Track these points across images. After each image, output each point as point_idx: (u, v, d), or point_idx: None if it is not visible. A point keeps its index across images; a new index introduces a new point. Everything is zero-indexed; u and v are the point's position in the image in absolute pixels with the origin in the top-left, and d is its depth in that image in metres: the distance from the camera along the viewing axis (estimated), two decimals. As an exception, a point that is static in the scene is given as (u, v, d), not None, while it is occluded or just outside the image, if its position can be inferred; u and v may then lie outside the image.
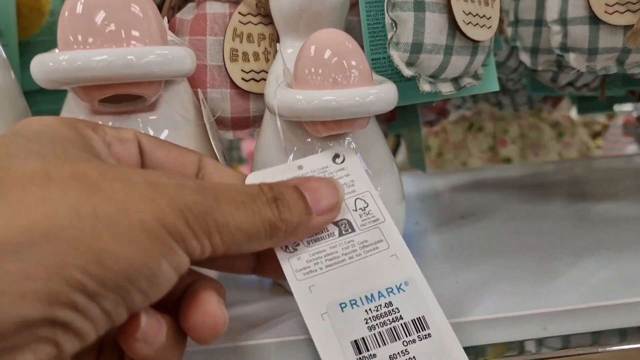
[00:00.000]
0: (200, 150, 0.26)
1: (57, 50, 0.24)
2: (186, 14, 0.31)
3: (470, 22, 0.27)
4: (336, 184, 0.22)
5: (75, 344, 0.16)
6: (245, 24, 0.30)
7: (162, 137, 0.25)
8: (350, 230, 0.23)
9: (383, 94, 0.24)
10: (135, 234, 0.16)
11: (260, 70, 0.30)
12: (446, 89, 0.28)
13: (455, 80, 0.29)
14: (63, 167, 0.17)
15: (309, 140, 0.26)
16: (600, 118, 1.05)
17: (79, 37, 0.23)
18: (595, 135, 1.03)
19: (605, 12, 0.32)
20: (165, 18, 0.28)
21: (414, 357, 0.20)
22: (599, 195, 0.46)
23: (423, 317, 0.21)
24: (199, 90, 0.29)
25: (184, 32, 0.31)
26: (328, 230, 0.23)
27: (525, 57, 0.39)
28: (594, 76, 0.43)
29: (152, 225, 0.17)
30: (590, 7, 0.32)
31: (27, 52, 0.46)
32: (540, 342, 0.22)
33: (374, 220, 0.23)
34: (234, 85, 0.30)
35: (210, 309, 0.19)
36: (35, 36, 0.46)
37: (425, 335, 0.20)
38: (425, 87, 0.27)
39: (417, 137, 0.39)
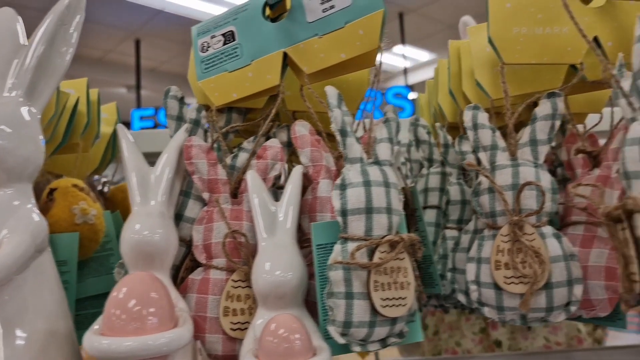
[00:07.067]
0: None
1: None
2: (196, 275, 0.43)
3: (387, 305, 0.38)
4: None
5: None
6: (236, 287, 0.42)
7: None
8: None
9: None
10: None
11: (245, 322, 0.42)
12: (374, 347, 0.39)
13: (383, 340, 0.39)
14: None
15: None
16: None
17: (118, 312, 0.35)
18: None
19: (504, 282, 0.42)
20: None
21: None
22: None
23: None
24: (198, 342, 0.40)
25: (194, 290, 0.43)
26: None
27: (461, 297, 0.49)
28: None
29: None
30: (493, 277, 0.43)
31: (83, 267, 0.61)
32: None
33: None
34: (224, 332, 0.41)
35: None
36: (90, 257, 0.60)
37: None
38: (356, 348, 0.38)
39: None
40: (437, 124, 0.58)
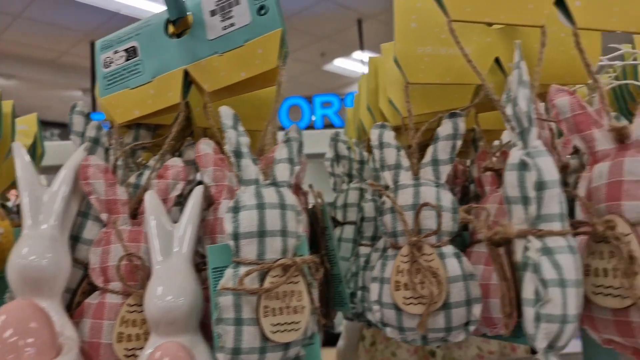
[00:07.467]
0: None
1: None
2: (92, 299, 0.42)
3: (278, 331, 0.37)
4: None
5: None
6: (131, 312, 0.41)
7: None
8: None
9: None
10: None
11: (140, 348, 0.40)
12: (268, 373, 0.38)
13: (277, 364, 0.39)
14: None
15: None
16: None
17: None
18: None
19: (403, 303, 0.42)
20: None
21: None
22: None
23: None
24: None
25: (89, 315, 0.41)
26: None
27: (370, 316, 0.49)
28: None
29: None
30: (393, 298, 0.43)
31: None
32: None
33: None
34: (118, 359, 0.40)
35: None
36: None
37: None
38: (248, 375, 0.37)
39: None
40: (354, 140, 0.58)
